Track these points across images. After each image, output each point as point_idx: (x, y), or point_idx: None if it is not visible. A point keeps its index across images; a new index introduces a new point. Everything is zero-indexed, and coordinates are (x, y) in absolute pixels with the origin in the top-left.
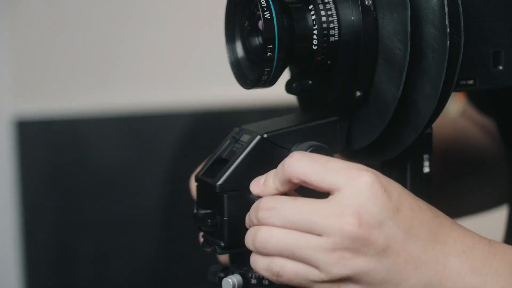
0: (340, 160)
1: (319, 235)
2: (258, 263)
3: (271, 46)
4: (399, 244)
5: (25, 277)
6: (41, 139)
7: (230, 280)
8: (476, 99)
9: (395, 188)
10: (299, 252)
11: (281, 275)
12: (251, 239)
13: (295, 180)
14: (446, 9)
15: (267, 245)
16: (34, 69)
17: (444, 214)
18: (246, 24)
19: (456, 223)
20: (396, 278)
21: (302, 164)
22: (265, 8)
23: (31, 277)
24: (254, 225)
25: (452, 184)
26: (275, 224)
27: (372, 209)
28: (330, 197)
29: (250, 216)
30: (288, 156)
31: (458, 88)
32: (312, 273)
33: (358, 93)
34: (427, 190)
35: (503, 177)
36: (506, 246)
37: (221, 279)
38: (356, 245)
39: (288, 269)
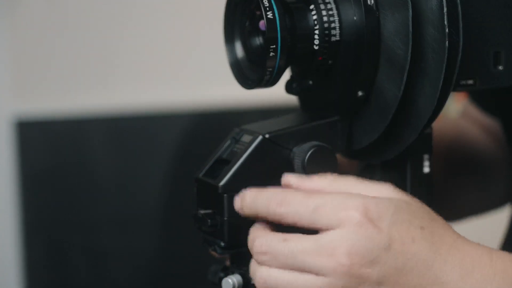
0: (329, 197)
1: (315, 274)
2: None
3: (274, 46)
4: (394, 278)
5: (24, 277)
6: (41, 139)
7: (230, 280)
8: (479, 98)
9: (386, 221)
10: None
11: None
12: (252, 273)
13: (289, 222)
14: (445, 9)
15: (266, 283)
16: (34, 69)
17: (441, 234)
18: (246, 24)
19: (455, 241)
20: None
21: (286, 210)
22: (267, 8)
23: (30, 277)
24: (253, 260)
25: (454, 186)
26: (272, 266)
27: (363, 249)
28: (321, 234)
29: (249, 246)
30: (272, 195)
31: (458, 88)
32: None
33: (360, 93)
34: (427, 190)
35: (506, 178)
36: (508, 261)
37: (221, 279)
38: (351, 284)
39: None
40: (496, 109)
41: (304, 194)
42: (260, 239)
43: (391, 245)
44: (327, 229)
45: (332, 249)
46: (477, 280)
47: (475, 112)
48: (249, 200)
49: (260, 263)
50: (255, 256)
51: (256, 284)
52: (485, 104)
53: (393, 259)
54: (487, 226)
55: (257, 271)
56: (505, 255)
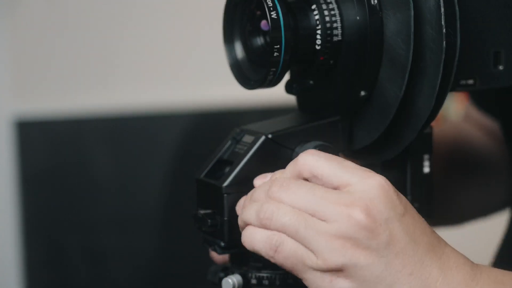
0: (354, 163)
1: (325, 221)
2: (257, 235)
3: (278, 46)
4: (401, 245)
5: (24, 277)
6: (41, 139)
7: (230, 280)
8: (480, 99)
9: (403, 197)
10: (303, 232)
11: (279, 251)
12: (255, 210)
13: (306, 174)
14: (442, 9)
15: (272, 217)
16: (34, 69)
17: (438, 235)
18: (247, 25)
19: (447, 244)
20: (390, 279)
21: (318, 158)
22: (271, 8)
23: (30, 277)
24: (258, 201)
25: (455, 188)
26: (285, 201)
27: (381, 206)
28: (342, 190)
29: (256, 193)
30: (303, 152)
31: (458, 88)
32: (310, 258)
33: (362, 93)
34: (427, 190)
35: (507, 180)
36: (490, 268)
37: (221, 279)
38: (360, 236)
39: (287, 246)
40: (496, 110)
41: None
42: (281, 177)
43: (405, 214)
44: (348, 185)
45: (351, 199)
46: (468, 272)
47: (476, 114)
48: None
49: (273, 196)
50: (272, 188)
51: (259, 219)
52: (485, 105)
53: (406, 227)
54: (484, 229)
55: (265, 204)
56: (485, 265)
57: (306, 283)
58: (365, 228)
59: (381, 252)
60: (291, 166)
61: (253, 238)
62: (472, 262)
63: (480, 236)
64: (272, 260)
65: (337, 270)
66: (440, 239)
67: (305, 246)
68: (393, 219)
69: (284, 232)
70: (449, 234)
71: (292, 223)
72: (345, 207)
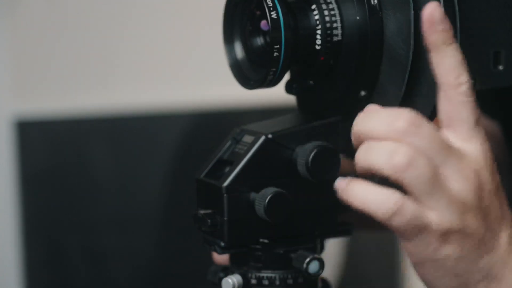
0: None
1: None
2: (385, 146)
3: (278, 46)
4: (492, 219)
5: (24, 277)
6: (41, 139)
7: (230, 280)
8: (478, 100)
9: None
10: (431, 182)
11: (409, 169)
12: (391, 151)
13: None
14: (442, 9)
15: (412, 161)
16: (34, 69)
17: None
18: (247, 25)
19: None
20: (479, 251)
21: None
22: (271, 8)
23: (30, 277)
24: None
25: None
26: (419, 147)
27: (487, 177)
28: (459, 153)
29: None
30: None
31: None
32: (426, 214)
33: (363, 93)
34: None
35: (506, 181)
36: None
37: (221, 279)
38: (473, 203)
39: (420, 169)
40: (495, 111)
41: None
42: (409, 115)
43: (499, 188)
44: (461, 134)
45: (466, 164)
46: None
47: None
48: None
49: (401, 133)
50: (397, 124)
51: (397, 162)
52: (484, 106)
53: (499, 201)
54: None
55: (402, 147)
56: None
57: (406, 245)
58: (477, 195)
59: (481, 221)
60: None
61: (379, 150)
62: None
63: None
64: (394, 181)
65: (447, 234)
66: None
67: (425, 199)
68: (493, 192)
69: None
70: None
71: (425, 170)
72: (463, 169)
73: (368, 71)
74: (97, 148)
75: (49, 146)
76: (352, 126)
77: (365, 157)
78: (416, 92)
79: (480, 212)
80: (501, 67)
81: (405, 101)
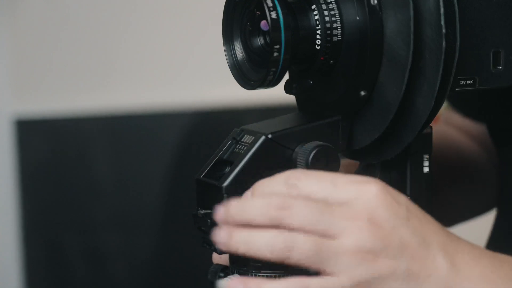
0: (345, 175)
1: (335, 238)
2: (263, 237)
3: (278, 46)
4: (413, 249)
5: (24, 277)
6: (41, 138)
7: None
8: (462, 104)
9: (403, 199)
10: (318, 254)
11: (292, 252)
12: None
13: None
14: (442, 10)
15: (286, 244)
16: (34, 69)
17: (448, 230)
18: (247, 25)
19: (460, 237)
20: (413, 284)
21: (310, 182)
22: (271, 8)
23: (30, 276)
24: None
25: (441, 192)
26: (293, 224)
27: (384, 215)
28: (342, 204)
29: (257, 206)
30: (291, 173)
31: (458, 88)
32: (332, 281)
33: (362, 93)
34: (427, 190)
35: (492, 182)
36: (510, 257)
37: (221, 279)
38: (376, 246)
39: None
40: (481, 114)
41: (318, 172)
42: (279, 197)
43: (410, 219)
44: (347, 202)
45: (353, 215)
46: (487, 265)
47: (458, 119)
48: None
49: (276, 220)
50: (271, 212)
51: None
52: (467, 110)
53: (413, 229)
54: (470, 230)
55: (256, 234)
56: (505, 255)
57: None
58: (378, 237)
59: (398, 258)
60: (281, 188)
61: (261, 238)
62: (491, 253)
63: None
64: (284, 262)
65: (363, 284)
66: (451, 235)
67: (323, 268)
68: (398, 226)
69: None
70: None
71: (306, 247)
72: (352, 221)
73: (368, 71)
74: (96, 147)
75: (49, 145)
76: (220, 215)
77: (246, 245)
78: (416, 92)
79: (392, 250)
80: (500, 67)
81: (405, 101)
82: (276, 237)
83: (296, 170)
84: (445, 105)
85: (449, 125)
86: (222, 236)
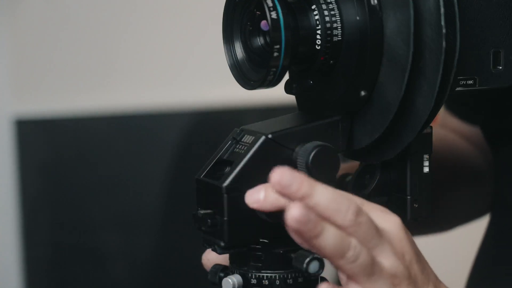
0: (369, 203)
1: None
2: (338, 236)
3: (278, 46)
4: (419, 282)
5: (24, 277)
6: (41, 138)
7: (230, 280)
8: (458, 107)
9: (410, 235)
10: (371, 269)
11: (356, 260)
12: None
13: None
14: (442, 10)
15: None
16: (34, 69)
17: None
18: (248, 24)
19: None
20: None
21: (337, 206)
22: (271, 8)
23: (30, 276)
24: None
25: (438, 195)
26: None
27: (408, 247)
28: (382, 232)
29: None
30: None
31: (458, 88)
32: None
33: (362, 93)
34: (427, 190)
35: (488, 184)
36: None
37: (221, 279)
38: (403, 274)
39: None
40: (476, 116)
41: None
42: (355, 204)
43: (419, 254)
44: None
45: (391, 240)
46: None
47: (454, 121)
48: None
49: (348, 223)
50: (349, 213)
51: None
52: (463, 112)
53: (420, 264)
54: (463, 233)
55: (352, 241)
56: None
57: None
58: (404, 266)
59: (414, 284)
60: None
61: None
62: None
63: (458, 239)
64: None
65: None
66: (434, 274)
67: (364, 281)
68: (414, 260)
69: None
70: (430, 238)
71: (367, 258)
72: (390, 247)
73: (368, 71)
74: (96, 147)
75: (49, 145)
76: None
77: (316, 227)
78: (416, 92)
79: (411, 281)
80: (500, 67)
81: (405, 101)
82: (347, 238)
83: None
84: (442, 108)
85: (445, 127)
86: (298, 209)
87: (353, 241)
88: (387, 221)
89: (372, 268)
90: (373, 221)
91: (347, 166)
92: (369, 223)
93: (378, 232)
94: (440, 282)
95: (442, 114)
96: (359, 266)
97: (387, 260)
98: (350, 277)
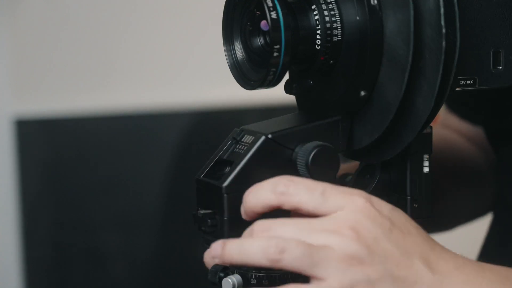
0: (333, 185)
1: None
2: (255, 242)
3: (278, 46)
4: (396, 258)
5: (24, 277)
6: (41, 138)
7: (230, 280)
8: (460, 107)
9: (387, 210)
10: (310, 259)
11: (285, 255)
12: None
13: (287, 207)
14: (442, 9)
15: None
16: (34, 69)
17: (433, 239)
18: (248, 24)
19: (444, 247)
20: None
21: (299, 190)
22: (271, 8)
23: (30, 276)
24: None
25: (440, 195)
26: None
27: (368, 225)
28: (325, 216)
29: (246, 233)
30: (278, 179)
31: (458, 88)
32: (323, 286)
33: (362, 93)
34: (427, 190)
35: (490, 184)
36: (492, 265)
37: (221, 279)
38: (361, 253)
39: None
40: (477, 115)
41: (311, 179)
42: (261, 221)
43: (392, 229)
44: (332, 213)
45: (338, 224)
46: (471, 272)
47: (456, 122)
48: (251, 190)
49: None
50: (254, 235)
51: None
52: (465, 112)
53: (396, 242)
54: (465, 233)
55: (249, 241)
56: (487, 263)
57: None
58: (362, 245)
59: (384, 265)
60: (270, 196)
61: (251, 246)
62: (474, 261)
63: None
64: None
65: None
66: (433, 245)
67: (314, 274)
68: (381, 236)
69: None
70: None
71: (299, 251)
72: (334, 234)
73: (368, 71)
74: (96, 147)
75: (49, 145)
76: (217, 252)
77: (240, 253)
78: (416, 92)
79: (377, 257)
80: (500, 67)
81: (405, 101)
82: (268, 241)
83: (284, 176)
84: (443, 108)
85: (447, 127)
86: (215, 249)
87: (275, 240)
88: (347, 202)
89: (314, 257)
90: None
91: (347, 166)
92: (294, 220)
93: (314, 221)
94: (439, 250)
95: (444, 114)
96: (293, 259)
97: (335, 244)
98: (303, 274)
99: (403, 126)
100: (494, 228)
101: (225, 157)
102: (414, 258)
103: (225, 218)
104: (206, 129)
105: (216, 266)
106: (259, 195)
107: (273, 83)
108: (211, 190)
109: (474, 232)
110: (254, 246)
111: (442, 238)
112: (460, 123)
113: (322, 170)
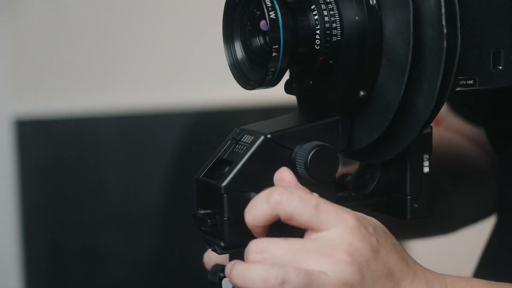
0: (326, 201)
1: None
2: (256, 271)
3: (276, 46)
4: (382, 280)
5: (24, 276)
6: (41, 138)
7: None
8: (462, 108)
9: (372, 227)
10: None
11: (285, 285)
12: (241, 271)
13: (283, 217)
14: (443, 9)
15: (264, 281)
16: (34, 69)
17: (406, 252)
18: (248, 24)
19: (416, 261)
20: None
21: (293, 201)
22: (270, 8)
23: (30, 276)
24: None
25: (442, 196)
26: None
27: (360, 248)
28: (318, 235)
29: (246, 252)
30: (272, 190)
31: (458, 88)
32: None
33: (362, 93)
34: (427, 190)
35: (492, 186)
36: (457, 278)
37: (221, 279)
38: (355, 279)
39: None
40: (478, 117)
41: (307, 191)
42: (256, 241)
43: (379, 249)
44: (324, 229)
45: (331, 250)
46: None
47: (458, 123)
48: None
49: (254, 262)
50: (249, 257)
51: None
52: (467, 114)
53: (382, 260)
54: (467, 234)
55: (251, 268)
56: (453, 276)
57: None
58: (355, 271)
59: (373, 283)
60: (265, 207)
61: (253, 274)
62: (440, 277)
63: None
64: None
65: None
66: (410, 261)
67: None
68: (372, 258)
69: None
70: (434, 239)
71: (298, 280)
72: (330, 257)
73: (367, 71)
74: (96, 147)
75: (49, 145)
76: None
77: (242, 278)
78: (416, 92)
79: (367, 282)
80: (500, 67)
81: (405, 101)
82: (269, 271)
83: (278, 186)
84: (445, 109)
85: (450, 129)
86: (227, 270)
87: (276, 270)
88: (339, 220)
89: (311, 286)
90: (297, 242)
91: (346, 169)
92: (290, 246)
93: (312, 248)
94: (412, 266)
95: (446, 115)
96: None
97: (331, 272)
98: None
99: (403, 126)
100: (497, 229)
101: (224, 157)
102: (395, 277)
103: (225, 218)
104: (206, 129)
105: (216, 266)
106: (255, 209)
107: (273, 83)
108: (210, 190)
109: (477, 233)
110: (255, 276)
111: (446, 239)
112: (463, 125)
113: (321, 170)
